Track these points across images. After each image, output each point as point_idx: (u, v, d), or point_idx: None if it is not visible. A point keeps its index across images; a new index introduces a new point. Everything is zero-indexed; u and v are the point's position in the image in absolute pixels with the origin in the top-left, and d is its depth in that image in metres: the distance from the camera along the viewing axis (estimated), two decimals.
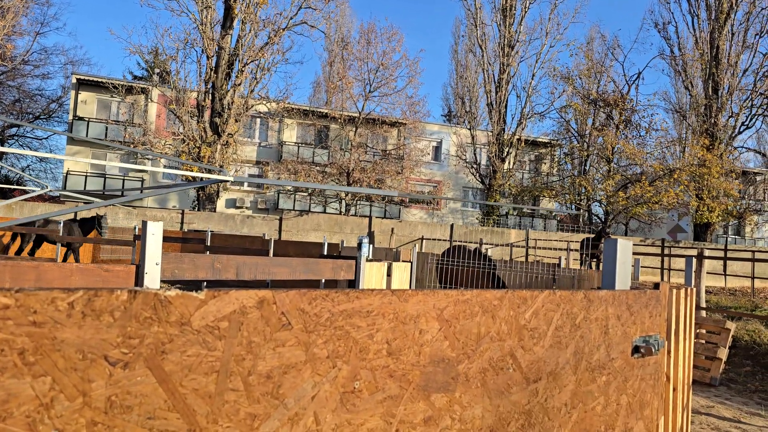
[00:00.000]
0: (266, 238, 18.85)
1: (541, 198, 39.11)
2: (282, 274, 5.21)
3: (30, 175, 52.08)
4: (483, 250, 8.28)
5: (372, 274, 6.64)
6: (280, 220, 26.47)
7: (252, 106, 27.82)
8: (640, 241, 30.42)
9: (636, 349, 2.12)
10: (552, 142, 40.32)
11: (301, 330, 1.10)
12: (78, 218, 19.46)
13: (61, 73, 64.06)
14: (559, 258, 10.33)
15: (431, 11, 77.99)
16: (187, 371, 0.93)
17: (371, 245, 15.75)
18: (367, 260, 6.08)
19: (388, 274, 7.21)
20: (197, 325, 0.95)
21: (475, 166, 36.29)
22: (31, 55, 47.97)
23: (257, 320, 1.03)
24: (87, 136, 40.74)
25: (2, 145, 48.27)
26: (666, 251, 26.74)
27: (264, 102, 28.10)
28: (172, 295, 0.89)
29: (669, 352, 3.46)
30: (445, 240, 27.05)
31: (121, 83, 31.39)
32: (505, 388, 1.56)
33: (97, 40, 77.70)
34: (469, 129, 37.12)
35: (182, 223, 25.44)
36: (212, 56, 26.41)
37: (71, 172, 41.28)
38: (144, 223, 3.89)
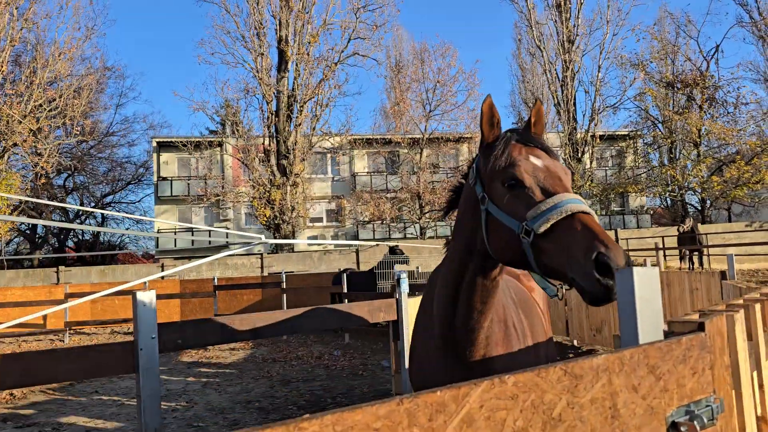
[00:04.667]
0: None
1: (627, 194, 36.98)
2: (311, 324, 4.75)
3: (129, 238, 54.88)
4: None
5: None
6: (357, 252, 26.26)
7: (315, 144, 28.03)
8: (745, 226, 27.95)
9: (674, 427, 1.47)
10: (631, 133, 38.16)
11: None
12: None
13: (144, 139, 67.74)
14: (644, 259, 9.30)
15: (488, 21, 77.03)
16: None
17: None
18: (410, 296, 5.52)
19: None
20: None
21: None
22: (113, 126, 51.08)
23: None
24: (171, 194, 42.51)
25: (103, 215, 51.17)
26: None
27: (326, 137, 28.23)
28: None
29: (761, 385, 2.70)
30: None
31: (191, 140, 32.62)
32: None
33: (172, 103, 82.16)
34: None
35: (262, 267, 25.74)
36: (271, 101, 26.87)
37: (161, 231, 43.16)
38: (133, 295, 3.55)
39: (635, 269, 1.64)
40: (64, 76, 26.97)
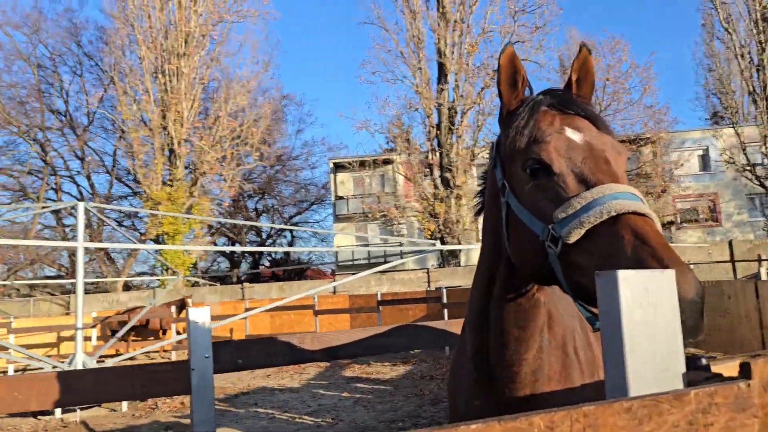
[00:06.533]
0: None
1: None
2: (397, 344, 4.30)
3: (315, 255, 58.56)
4: None
5: None
6: None
7: (478, 154, 27.43)
8: None
9: None
10: None
11: None
12: None
13: (323, 161, 72.14)
14: None
15: (665, 9, 70.54)
16: None
17: None
18: None
19: None
20: None
21: (748, 168, 30.40)
22: (295, 150, 54.98)
23: None
24: (347, 212, 44.42)
25: (292, 234, 55.33)
26: None
27: (488, 148, 27.52)
28: None
29: None
30: (724, 261, 22.75)
31: (357, 159, 33.63)
32: None
33: (346, 124, 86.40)
34: (733, 127, 31.49)
35: (428, 281, 25.62)
36: (431, 114, 26.86)
37: (340, 247, 45.14)
38: (186, 312, 3.40)
39: (621, 273, 0.99)
40: (245, 108, 29.46)
